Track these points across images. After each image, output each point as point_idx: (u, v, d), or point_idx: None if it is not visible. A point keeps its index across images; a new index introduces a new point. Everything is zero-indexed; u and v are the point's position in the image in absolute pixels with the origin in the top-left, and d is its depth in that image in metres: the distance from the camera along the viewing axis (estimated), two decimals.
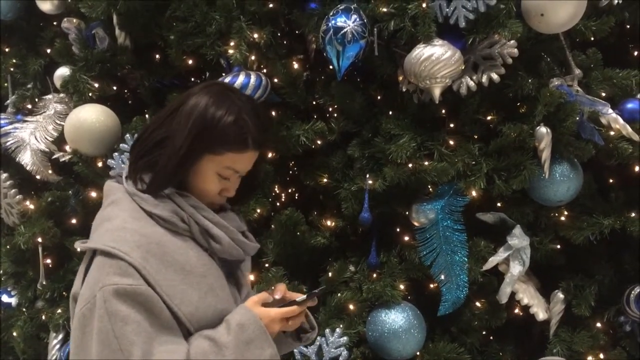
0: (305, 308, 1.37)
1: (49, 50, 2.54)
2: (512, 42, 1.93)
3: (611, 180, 2.32)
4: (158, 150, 1.32)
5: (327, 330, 1.97)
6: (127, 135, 2.12)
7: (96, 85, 2.24)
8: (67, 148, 2.29)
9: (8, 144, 2.41)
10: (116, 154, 2.12)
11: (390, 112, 2.10)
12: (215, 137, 1.29)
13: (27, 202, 2.44)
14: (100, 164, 2.22)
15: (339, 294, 2.08)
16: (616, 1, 2.19)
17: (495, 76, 1.96)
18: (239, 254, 1.39)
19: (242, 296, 1.43)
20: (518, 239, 2.05)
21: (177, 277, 1.26)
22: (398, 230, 2.19)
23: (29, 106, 2.57)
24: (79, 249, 1.36)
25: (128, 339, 1.18)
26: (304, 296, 1.34)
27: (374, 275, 2.12)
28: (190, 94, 1.34)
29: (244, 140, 1.31)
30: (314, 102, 2.19)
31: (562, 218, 2.18)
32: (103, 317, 1.18)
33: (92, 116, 2.15)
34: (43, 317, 2.39)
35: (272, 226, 2.16)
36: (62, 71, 2.36)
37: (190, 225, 1.32)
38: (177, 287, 1.25)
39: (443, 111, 2.11)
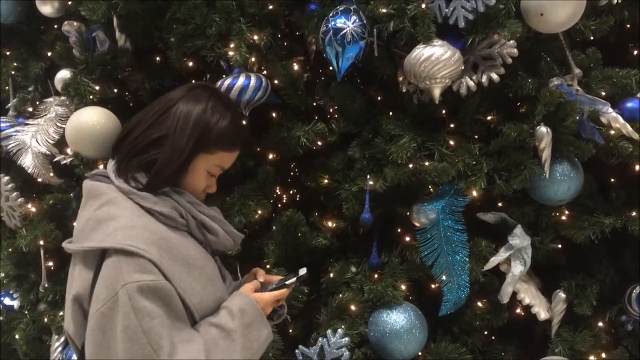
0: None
1: (49, 53, 2.54)
2: (511, 42, 1.93)
3: (612, 180, 2.32)
4: (153, 150, 1.39)
5: (329, 331, 1.97)
6: None
7: (97, 87, 2.24)
8: (69, 151, 2.29)
9: (9, 147, 2.41)
10: None
11: (391, 113, 2.11)
12: (212, 139, 1.40)
13: (29, 205, 2.44)
14: (101, 167, 2.22)
15: (340, 295, 2.08)
16: (615, 1, 2.19)
17: (495, 76, 1.96)
18: (230, 244, 1.50)
19: (227, 284, 1.52)
20: (519, 238, 2.05)
21: (184, 270, 1.32)
22: (399, 230, 2.19)
23: (30, 109, 2.57)
24: (70, 250, 1.36)
25: (157, 333, 1.22)
26: (294, 279, 1.47)
27: (375, 275, 2.12)
28: (178, 97, 1.43)
29: (235, 140, 1.46)
30: (314, 104, 2.19)
31: (563, 217, 2.18)
32: (129, 314, 1.22)
33: (93, 119, 2.14)
34: (45, 320, 2.39)
35: (273, 227, 2.16)
36: (63, 74, 2.36)
37: (188, 220, 1.39)
38: (185, 279, 1.31)
39: (443, 111, 2.11)
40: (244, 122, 2.09)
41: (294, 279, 1.47)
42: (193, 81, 2.17)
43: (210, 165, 1.44)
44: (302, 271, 1.51)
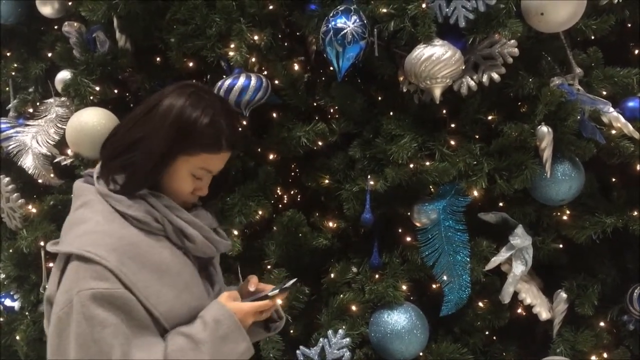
0: (277, 300, 1.40)
1: (50, 54, 2.54)
2: (512, 41, 1.93)
3: (613, 179, 2.32)
4: (132, 152, 1.32)
5: (330, 332, 1.97)
6: None
7: (97, 88, 2.24)
8: (69, 151, 2.29)
9: (10, 148, 2.41)
10: None
11: (391, 113, 2.10)
12: (191, 139, 1.31)
13: (29, 206, 2.44)
14: None
15: (341, 295, 2.08)
16: (616, 0, 2.19)
17: (495, 76, 1.96)
18: (211, 251, 1.42)
19: (215, 291, 1.44)
20: (520, 238, 2.05)
21: (153, 277, 1.27)
22: (400, 230, 2.19)
23: (31, 110, 2.57)
24: (51, 251, 1.36)
25: (107, 342, 1.19)
26: (277, 290, 1.37)
27: (376, 276, 2.11)
28: (164, 94, 1.35)
29: (218, 141, 1.33)
30: (315, 104, 2.19)
31: (564, 217, 2.17)
32: (81, 322, 1.20)
33: (93, 119, 2.14)
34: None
35: (274, 228, 2.16)
36: (63, 75, 2.36)
37: (164, 225, 1.33)
38: (153, 287, 1.26)
39: (444, 111, 2.11)
40: (244, 122, 2.10)
41: (276, 291, 1.38)
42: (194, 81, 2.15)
43: (193, 167, 1.34)
44: (289, 282, 1.42)
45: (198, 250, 1.39)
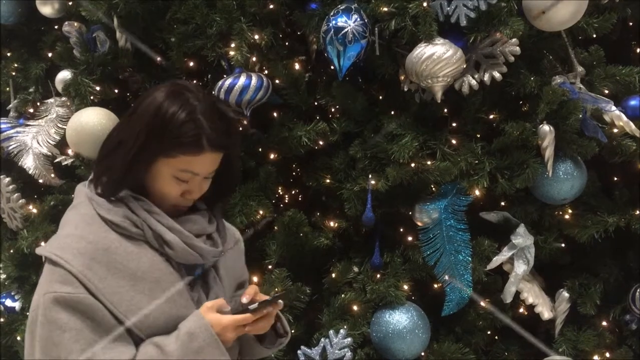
0: (265, 313, 1.30)
1: (50, 54, 2.54)
2: (513, 40, 1.93)
3: (615, 178, 2.31)
4: (116, 153, 1.27)
5: (331, 332, 1.97)
6: None
7: (97, 88, 2.24)
8: (69, 151, 2.29)
9: (10, 148, 2.41)
10: None
11: (392, 112, 2.10)
12: (168, 138, 1.22)
13: (30, 206, 2.44)
14: None
15: (342, 295, 2.07)
16: None
17: (497, 74, 1.95)
18: (195, 259, 1.32)
19: (210, 299, 1.35)
20: (522, 237, 2.04)
21: (126, 284, 1.23)
22: (401, 230, 2.18)
23: (31, 110, 2.57)
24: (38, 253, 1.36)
25: (66, 347, 1.18)
26: (256, 304, 1.29)
27: (378, 275, 2.11)
28: (149, 93, 1.29)
29: (198, 142, 1.22)
30: (316, 103, 2.19)
31: (566, 216, 2.17)
32: (44, 325, 1.19)
33: (93, 119, 2.14)
34: None
35: (275, 227, 2.16)
36: (64, 75, 2.36)
37: (143, 230, 1.28)
38: (125, 294, 1.23)
39: (445, 110, 2.11)
40: (244, 122, 2.09)
41: (255, 305, 1.28)
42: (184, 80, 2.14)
43: (175, 170, 1.25)
44: (271, 297, 1.33)
45: (179, 258, 1.30)
